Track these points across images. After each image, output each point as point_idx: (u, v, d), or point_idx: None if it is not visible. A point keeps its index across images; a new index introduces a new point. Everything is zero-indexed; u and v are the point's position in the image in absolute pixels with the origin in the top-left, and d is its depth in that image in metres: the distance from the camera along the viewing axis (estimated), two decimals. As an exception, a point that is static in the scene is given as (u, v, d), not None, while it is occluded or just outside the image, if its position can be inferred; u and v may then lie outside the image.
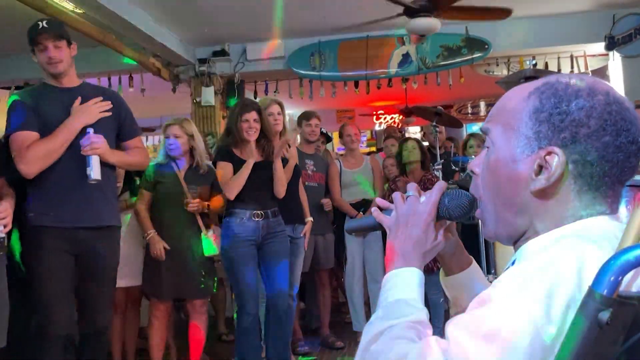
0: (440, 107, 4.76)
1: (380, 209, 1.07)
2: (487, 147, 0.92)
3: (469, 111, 10.36)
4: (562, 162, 0.82)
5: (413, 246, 0.97)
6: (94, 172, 2.63)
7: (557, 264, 0.75)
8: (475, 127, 9.50)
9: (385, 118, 10.33)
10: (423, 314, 0.89)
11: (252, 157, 3.44)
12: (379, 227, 1.06)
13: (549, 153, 0.83)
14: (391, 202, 1.05)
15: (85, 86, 2.86)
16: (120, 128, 2.87)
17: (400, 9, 4.63)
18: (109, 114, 2.78)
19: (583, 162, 0.82)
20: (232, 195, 3.42)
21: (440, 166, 4.21)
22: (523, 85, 0.91)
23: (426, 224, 0.98)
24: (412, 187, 1.03)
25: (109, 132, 2.79)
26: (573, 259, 0.75)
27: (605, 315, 0.64)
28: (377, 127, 10.48)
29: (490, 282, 0.89)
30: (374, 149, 9.74)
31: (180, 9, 5.50)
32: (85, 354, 2.74)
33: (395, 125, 9.84)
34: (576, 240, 0.79)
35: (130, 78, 6.83)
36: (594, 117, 0.82)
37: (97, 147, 2.64)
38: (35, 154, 2.59)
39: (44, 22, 2.70)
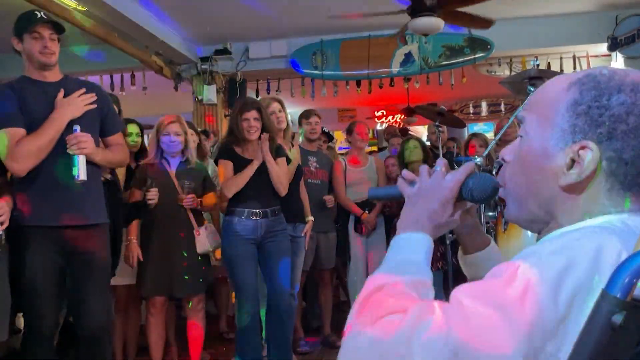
0: (443, 107, 4.74)
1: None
2: (521, 136, 0.90)
3: (471, 111, 10.35)
4: (595, 158, 0.80)
5: (428, 216, 0.96)
6: (81, 172, 2.52)
7: (573, 249, 0.74)
8: (477, 127, 9.49)
9: (387, 117, 10.31)
10: (427, 277, 0.87)
11: (256, 158, 3.43)
12: (401, 197, 1.05)
13: (583, 147, 0.81)
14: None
15: (68, 80, 2.74)
16: (102, 123, 2.77)
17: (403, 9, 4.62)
18: (94, 106, 2.69)
19: (618, 160, 0.80)
20: (230, 194, 3.41)
21: (443, 165, 4.19)
22: (565, 75, 0.89)
23: (446, 200, 0.97)
24: (440, 162, 1.02)
25: (94, 128, 2.69)
26: (590, 247, 0.73)
27: (618, 318, 0.64)
28: (378, 127, 10.47)
29: None
30: (375, 148, 9.72)
31: (183, 7, 5.50)
32: (86, 357, 2.66)
33: (397, 125, 9.82)
34: (598, 230, 0.77)
35: (132, 76, 6.83)
36: (634, 114, 0.79)
37: (84, 147, 2.54)
38: (27, 151, 2.48)
39: (42, 13, 2.66)
